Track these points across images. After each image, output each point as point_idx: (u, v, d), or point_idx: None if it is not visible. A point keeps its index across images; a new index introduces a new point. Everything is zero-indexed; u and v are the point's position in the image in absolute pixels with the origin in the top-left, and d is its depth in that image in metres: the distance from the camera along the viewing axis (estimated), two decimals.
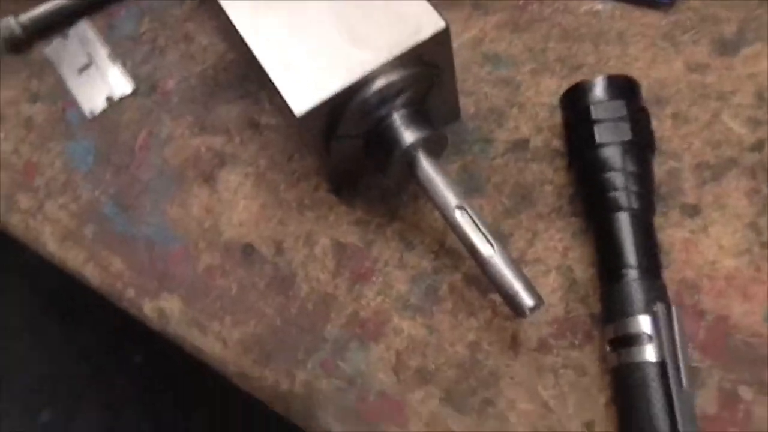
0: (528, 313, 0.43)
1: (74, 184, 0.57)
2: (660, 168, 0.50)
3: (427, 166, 0.46)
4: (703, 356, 0.45)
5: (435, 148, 0.47)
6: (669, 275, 0.47)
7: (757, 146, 0.49)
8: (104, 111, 0.59)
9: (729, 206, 0.48)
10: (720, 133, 0.50)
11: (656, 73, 0.52)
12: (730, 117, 0.50)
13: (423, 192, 0.47)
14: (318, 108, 0.44)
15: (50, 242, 0.56)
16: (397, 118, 0.46)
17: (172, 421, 1.37)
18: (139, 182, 0.57)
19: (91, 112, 0.59)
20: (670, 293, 0.47)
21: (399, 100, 0.46)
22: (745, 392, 0.44)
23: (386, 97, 0.45)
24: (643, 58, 0.53)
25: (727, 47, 0.52)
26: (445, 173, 0.46)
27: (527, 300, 0.43)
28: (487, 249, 0.44)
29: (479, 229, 0.45)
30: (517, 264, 0.44)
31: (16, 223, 0.57)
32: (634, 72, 0.52)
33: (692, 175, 0.50)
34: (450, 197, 0.45)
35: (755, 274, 0.47)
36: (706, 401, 0.45)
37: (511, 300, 0.43)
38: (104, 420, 1.39)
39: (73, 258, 0.55)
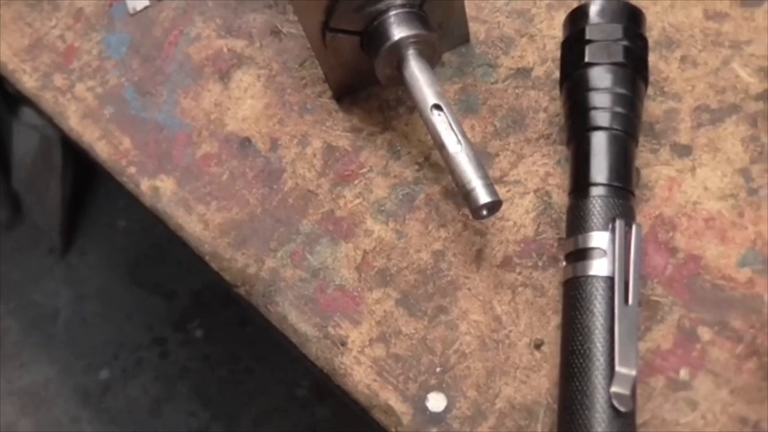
0: (483, 210, 0.43)
1: (104, 70, 0.61)
2: (658, 107, 0.49)
3: (413, 65, 0.47)
4: (666, 292, 0.44)
5: (427, 52, 0.48)
6: (646, 210, 0.46)
7: (764, 96, 0.47)
8: (145, 9, 0.62)
9: (722, 150, 0.46)
10: (726, 79, 0.48)
11: (673, 18, 0.51)
12: (740, 65, 0.49)
13: (407, 91, 0.47)
14: None
15: (72, 118, 0.60)
16: (392, 15, 0.47)
17: (221, 402, 1.40)
18: (161, 74, 0.59)
19: (134, 9, 0.62)
20: (645, 228, 0.45)
21: (396, 0, 0.47)
22: (705, 333, 0.42)
23: None
24: (661, 1, 0.52)
25: None
26: (431, 75, 0.47)
27: (483, 196, 0.42)
28: (454, 146, 0.44)
29: (452, 128, 0.45)
30: (481, 164, 0.44)
31: (47, 99, 0.61)
32: (651, 15, 0.51)
33: (689, 117, 0.48)
34: (429, 95, 0.46)
35: (737, 219, 0.44)
36: (662, 336, 0.43)
37: (467, 196, 0.43)
38: (156, 389, 1.43)
39: (89, 134, 0.59)
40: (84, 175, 1.61)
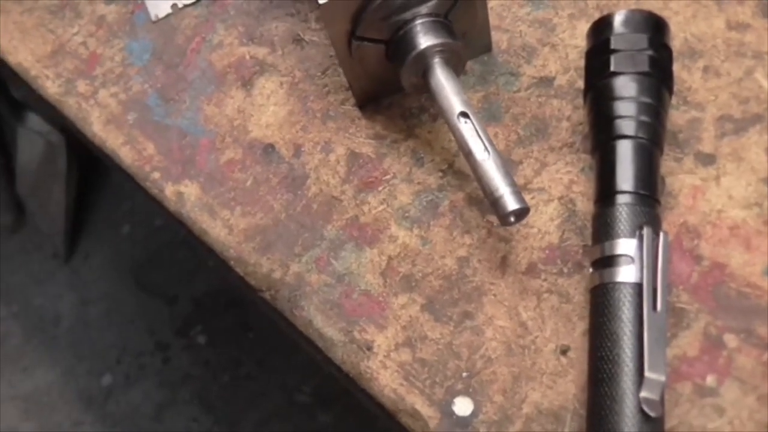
0: (511, 217, 0.43)
1: (127, 77, 0.61)
2: (681, 116, 0.49)
3: (439, 73, 0.47)
4: (692, 299, 0.44)
5: (453, 60, 0.48)
6: (671, 218, 0.47)
7: None
8: (167, 16, 0.63)
9: (746, 159, 0.47)
10: (749, 89, 0.49)
11: (695, 28, 0.52)
12: (763, 75, 0.49)
13: (433, 99, 0.48)
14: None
15: (96, 124, 0.60)
16: (418, 24, 0.48)
17: (223, 408, 1.40)
18: (184, 80, 0.60)
19: (156, 16, 0.63)
20: (670, 235, 0.46)
21: (422, 9, 0.48)
22: (731, 340, 0.43)
23: (409, 1, 0.47)
24: (683, 12, 0.53)
25: None
26: (457, 83, 0.47)
27: (512, 203, 0.43)
28: (482, 153, 0.45)
29: (479, 135, 0.45)
30: (508, 171, 0.44)
31: (71, 104, 0.61)
32: (673, 25, 0.51)
33: (713, 126, 0.49)
34: (456, 103, 0.46)
35: (762, 228, 0.45)
36: (688, 343, 0.43)
37: (495, 203, 0.43)
38: (158, 394, 1.43)
39: (113, 140, 0.59)
40: (88, 180, 1.61)
